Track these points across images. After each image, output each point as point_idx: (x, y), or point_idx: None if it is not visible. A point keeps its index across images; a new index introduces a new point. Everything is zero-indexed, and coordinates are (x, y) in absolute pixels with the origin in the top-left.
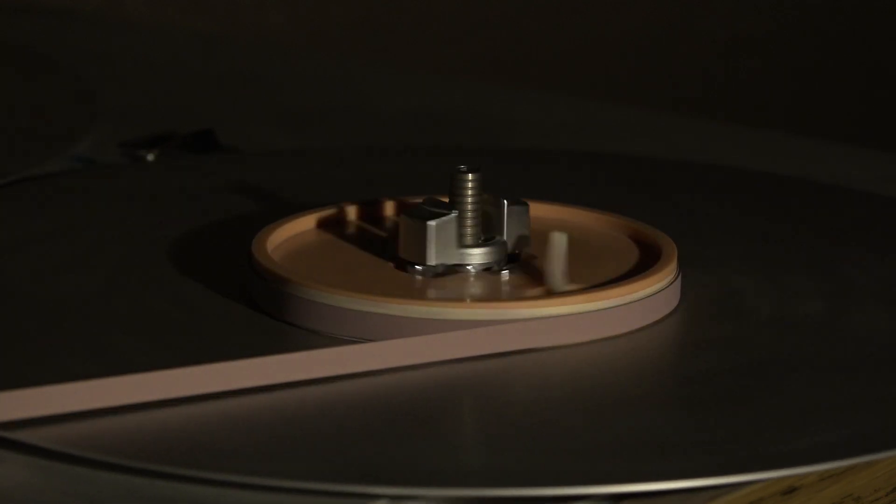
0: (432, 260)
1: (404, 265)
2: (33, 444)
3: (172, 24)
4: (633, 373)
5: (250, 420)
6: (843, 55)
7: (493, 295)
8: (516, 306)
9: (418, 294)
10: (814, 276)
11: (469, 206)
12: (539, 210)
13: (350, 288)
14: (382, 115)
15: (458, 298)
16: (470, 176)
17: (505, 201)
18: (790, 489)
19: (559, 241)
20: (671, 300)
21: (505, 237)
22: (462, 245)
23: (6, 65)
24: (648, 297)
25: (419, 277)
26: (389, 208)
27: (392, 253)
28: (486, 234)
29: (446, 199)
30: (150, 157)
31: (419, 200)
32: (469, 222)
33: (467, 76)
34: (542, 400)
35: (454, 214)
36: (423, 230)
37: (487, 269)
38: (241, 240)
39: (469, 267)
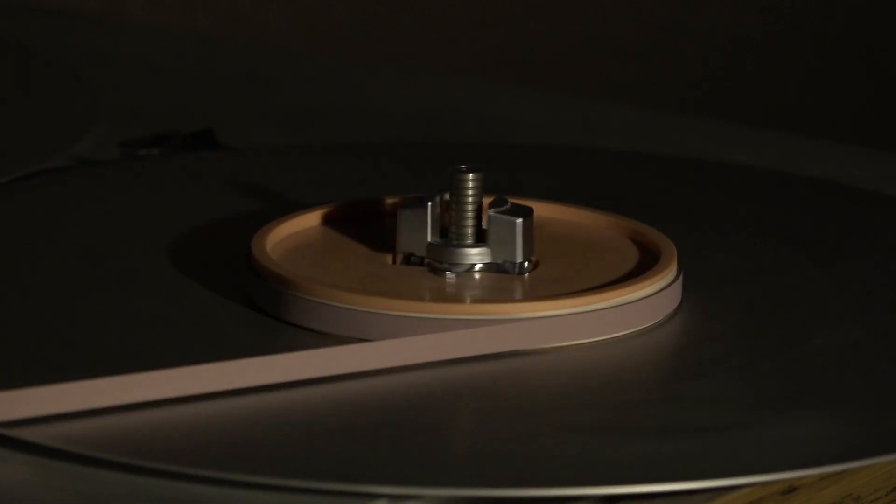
0: (401, 247)
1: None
2: (34, 443)
3: (172, 24)
4: (633, 373)
5: (250, 420)
6: (844, 55)
7: (494, 295)
8: (516, 306)
9: (418, 294)
10: (815, 275)
11: (469, 206)
12: (539, 209)
13: (350, 288)
14: (382, 115)
15: (458, 298)
16: (470, 175)
17: (491, 210)
18: (790, 489)
19: None
20: (671, 301)
21: (490, 245)
22: (461, 244)
23: (6, 65)
24: (648, 298)
25: (396, 264)
26: (389, 207)
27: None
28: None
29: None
30: (150, 158)
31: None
32: (469, 222)
33: (468, 75)
34: (541, 400)
35: (427, 206)
36: (398, 217)
37: (488, 270)
38: (241, 239)
39: (468, 266)
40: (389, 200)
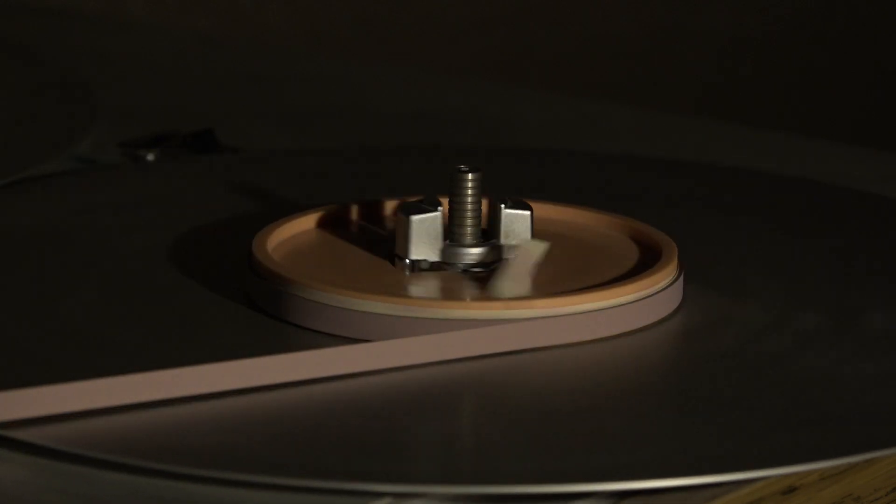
0: (414, 254)
1: (394, 260)
2: (33, 443)
3: (172, 24)
4: (634, 372)
5: (250, 420)
6: (844, 55)
7: (493, 295)
8: (516, 306)
9: (418, 294)
10: (815, 276)
11: (469, 206)
12: (539, 210)
13: (350, 288)
14: (382, 115)
15: (458, 298)
16: (470, 176)
17: (502, 205)
18: (790, 489)
19: (535, 249)
20: (672, 300)
21: (501, 240)
22: (461, 244)
23: (6, 65)
24: (649, 297)
25: (407, 273)
26: (389, 208)
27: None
28: (491, 235)
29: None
30: (150, 157)
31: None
32: (469, 222)
33: (468, 75)
34: (542, 399)
35: (438, 212)
36: (407, 225)
37: (487, 269)
38: (241, 240)
39: (467, 266)
40: (389, 201)
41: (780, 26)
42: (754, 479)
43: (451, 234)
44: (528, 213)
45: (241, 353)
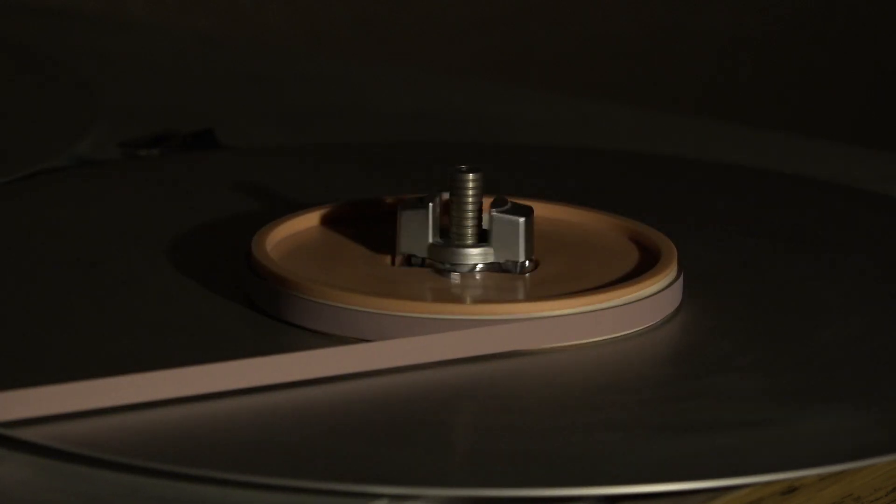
0: (403, 249)
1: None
2: (34, 443)
3: (172, 24)
4: (633, 374)
5: (250, 420)
6: (844, 55)
7: (494, 295)
8: (516, 306)
9: (418, 294)
10: (814, 276)
11: (469, 207)
12: (539, 210)
13: (350, 288)
14: (382, 115)
15: (458, 298)
16: (470, 176)
17: (493, 211)
18: (790, 489)
19: None
20: (671, 301)
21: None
22: (461, 244)
23: (6, 65)
24: (648, 299)
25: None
26: (389, 207)
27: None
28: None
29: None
30: (150, 157)
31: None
32: (469, 222)
33: (468, 75)
34: (540, 400)
35: (427, 208)
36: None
37: (488, 270)
38: (241, 239)
39: (469, 266)
40: (389, 201)
41: (780, 26)
42: (751, 484)
43: (452, 234)
44: (520, 219)
45: (240, 353)
